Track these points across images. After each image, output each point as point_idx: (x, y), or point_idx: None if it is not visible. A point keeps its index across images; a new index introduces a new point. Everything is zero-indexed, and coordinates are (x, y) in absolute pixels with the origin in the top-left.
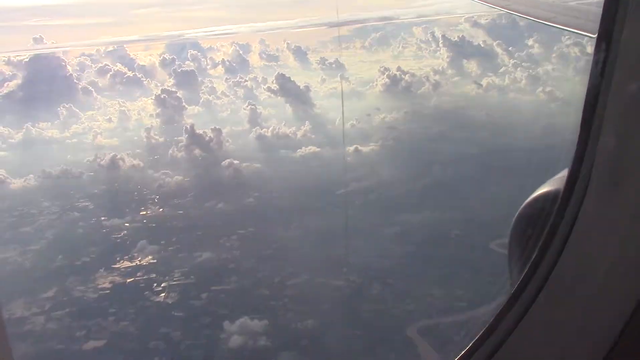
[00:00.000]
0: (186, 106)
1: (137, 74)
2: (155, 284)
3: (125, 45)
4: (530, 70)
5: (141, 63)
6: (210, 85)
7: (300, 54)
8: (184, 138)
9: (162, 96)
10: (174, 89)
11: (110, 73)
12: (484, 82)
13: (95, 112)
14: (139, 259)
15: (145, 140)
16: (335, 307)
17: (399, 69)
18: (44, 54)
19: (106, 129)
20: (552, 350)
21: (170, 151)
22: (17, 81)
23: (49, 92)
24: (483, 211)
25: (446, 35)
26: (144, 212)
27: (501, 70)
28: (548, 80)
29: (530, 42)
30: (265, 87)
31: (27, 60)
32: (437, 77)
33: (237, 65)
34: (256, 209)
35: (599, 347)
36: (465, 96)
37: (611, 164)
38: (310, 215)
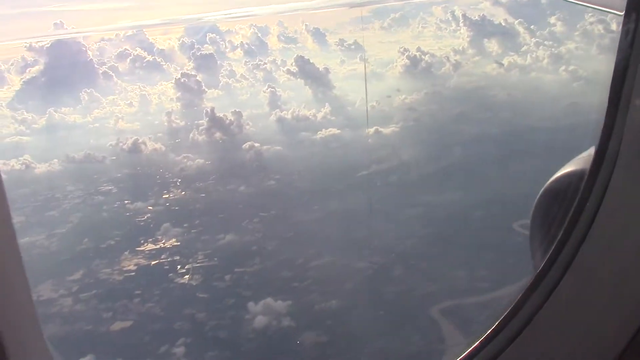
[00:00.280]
0: (206, 90)
1: (156, 58)
2: (179, 266)
3: (144, 30)
4: (553, 49)
5: (160, 47)
6: (229, 69)
7: (319, 35)
8: (204, 121)
9: (181, 80)
10: (193, 73)
11: (130, 58)
12: (505, 61)
13: (116, 97)
14: (163, 241)
15: (166, 124)
16: (359, 288)
17: (418, 49)
18: (65, 40)
19: (127, 113)
20: (579, 330)
21: (191, 135)
22: (39, 67)
23: (70, 77)
24: (505, 192)
25: (466, 15)
26: (167, 196)
27: (523, 49)
28: (571, 58)
29: (552, 20)
30: (284, 69)
31: (48, 46)
32: (457, 57)
33: (256, 48)
34: (277, 192)
35: (627, 326)
36: (486, 76)
37: None
38: (332, 197)
